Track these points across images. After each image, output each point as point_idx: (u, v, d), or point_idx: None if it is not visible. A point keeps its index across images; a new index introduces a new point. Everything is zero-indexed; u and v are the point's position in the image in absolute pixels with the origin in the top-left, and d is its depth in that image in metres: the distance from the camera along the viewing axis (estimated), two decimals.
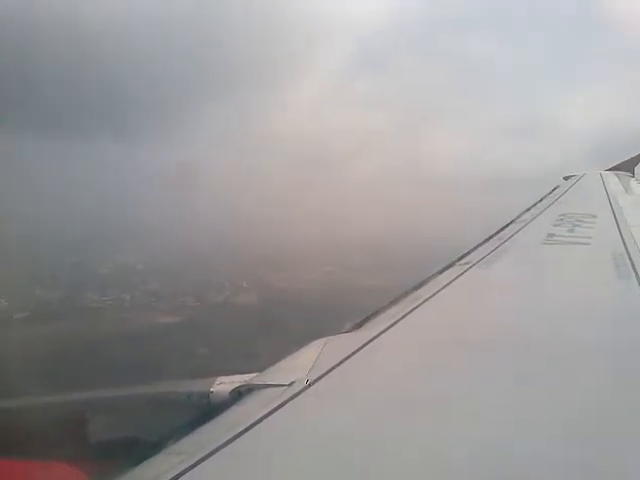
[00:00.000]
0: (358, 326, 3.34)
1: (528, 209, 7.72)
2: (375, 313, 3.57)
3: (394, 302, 3.78)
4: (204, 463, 1.76)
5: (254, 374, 2.70)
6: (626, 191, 9.58)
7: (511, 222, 6.81)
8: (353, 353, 2.66)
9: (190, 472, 1.72)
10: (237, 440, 1.89)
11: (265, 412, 2.08)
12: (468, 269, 4.45)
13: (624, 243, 5.14)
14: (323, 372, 2.44)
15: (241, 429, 1.95)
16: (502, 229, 6.35)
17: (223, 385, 2.74)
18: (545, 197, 8.76)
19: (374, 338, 2.88)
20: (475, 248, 5.42)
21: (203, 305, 41.69)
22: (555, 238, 5.54)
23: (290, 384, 2.34)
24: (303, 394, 2.25)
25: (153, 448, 2.11)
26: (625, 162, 13.09)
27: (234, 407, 2.38)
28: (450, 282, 4.08)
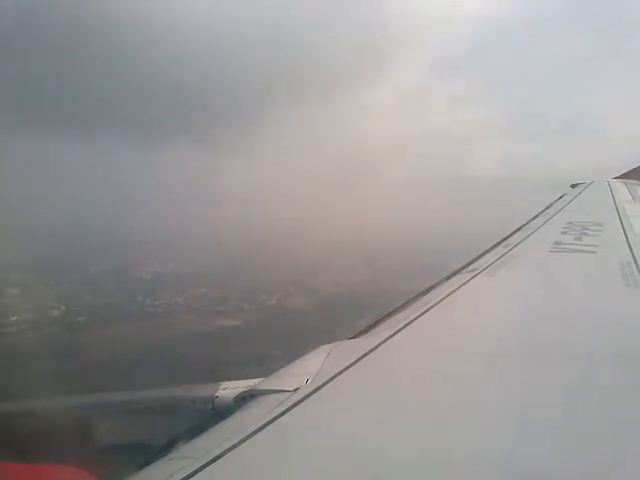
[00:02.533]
0: (364, 332, 3.30)
1: (535, 216, 7.72)
2: (382, 319, 3.54)
3: (401, 308, 3.75)
4: (208, 468, 1.75)
5: (259, 379, 2.68)
6: (634, 200, 9.52)
7: (518, 229, 6.80)
8: (359, 359, 2.64)
9: (194, 477, 1.71)
10: (241, 445, 1.88)
11: (270, 418, 2.07)
12: (475, 276, 4.42)
13: (631, 252, 5.10)
14: (328, 378, 2.42)
15: (246, 434, 1.94)
16: (509, 236, 6.32)
17: (228, 390, 2.71)
18: (552, 204, 8.77)
19: (380, 344, 2.85)
20: (482, 255, 5.40)
21: (258, 308, 42.50)
22: (562, 246, 5.51)
23: (295, 390, 2.33)
24: (308, 400, 2.23)
25: (157, 453, 2.11)
26: (633, 170, 13.14)
27: (238, 412, 2.36)
28: (457, 289, 4.04)
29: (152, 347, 31.11)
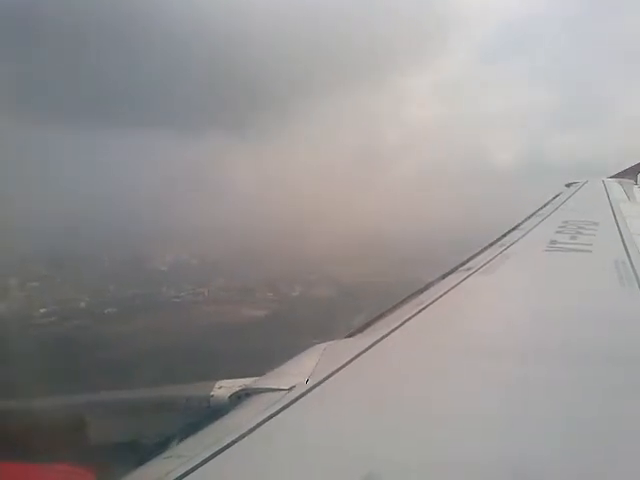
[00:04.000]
0: (359, 331, 3.34)
1: (531, 216, 7.72)
2: (376, 318, 3.57)
3: (395, 307, 3.77)
4: (204, 466, 1.77)
5: (254, 378, 2.71)
6: (629, 199, 9.58)
7: (514, 228, 6.82)
8: (353, 358, 2.66)
9: (190, 475, 1.73)
10: (236, 444, 1.89)
11: (265, 416, 2.08)
12: (470, 275, 4.46)
13: (626, 251, 5.14)
14: (323, 377, 2.44)
15: (241, 433, 1.95)
16: (504, 235, 6.35)
17: (223, 389, 2.76)
18: (548, 204, 8.78)
19: (374, 343, 2.88)
20: (477, 254, 5.44)
21: (283, 299, 42.51)
22: (557, 245, 5.55)
23: (290, 389, 2.35)
24: (303, 399, 2.25)
25: (153, 451, 2.12)
26: (628, 170, 13.11)
27: (234, 411, 2.38)
28: (452, 288, 4.08)
29: (188, 338, 31.23)
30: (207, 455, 1.82)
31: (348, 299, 38.03)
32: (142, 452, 2.30)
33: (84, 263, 42.81)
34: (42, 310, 36.15)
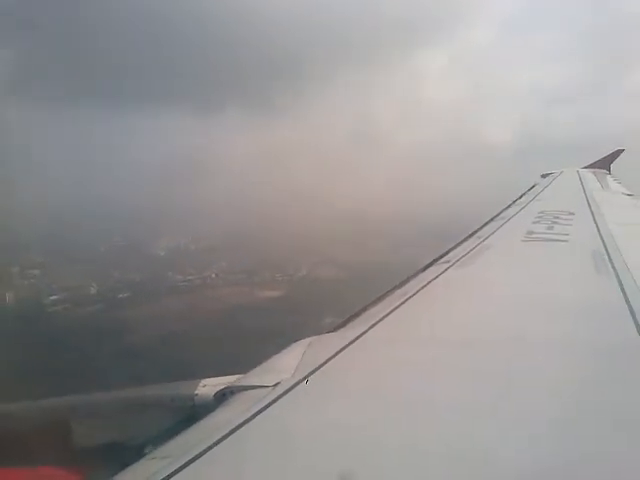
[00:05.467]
0: (341, 325, 3.37)
1: (507, 206, 7.82)
2: (358, 312, 3.60)
3: (376, 301, 3.81)
4: (190, 467, 1.78)
5: (238, 375, 2.72)
6: (603, 188, 9.75)
7: (491, 220, 6.92)
8: (336, 353, 2.68)
9: (176, 476, 1.73)
10: (222, 443, 1.90)
11: (250, 414, 2.09)
12: (448, 268, 4.51)
13: (602, 239, 5.22)
14: (307, 373, 2.46)
15: (226, 432, 1.96)
16: (482, 227, 6.46)
17: (207, 387, 2.77)
18: (524, 194, 8.90)
19: (357, 338, 2.90)
20: (455, 247, 5.50)
21: (291, 280, 42.63)
22: (534, 235, 5.62)
23: (274, 385, 2.37)
24: (287, 395, 2.26)
25: (138, 452, 2.14)
26: (601, 160, 13.59)
27: (219, 410, 2.38)
28: (430, 281, 4.12)
29: (212, 319, 31.33)
30: (193, 455, 1.82)
31: (355, 279, 37.80)
32: (127, 453, 2.29)
33: (80, 250, 42.23)
34: (52, 297, 35.92)
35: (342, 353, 2.69)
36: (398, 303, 3.54)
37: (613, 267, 4.19)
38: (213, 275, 43.48)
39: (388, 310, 3.39)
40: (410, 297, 3.69)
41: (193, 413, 2.57)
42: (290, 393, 2.28)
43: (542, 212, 6.98)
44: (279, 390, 2.30)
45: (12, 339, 25.09)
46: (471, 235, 6.04)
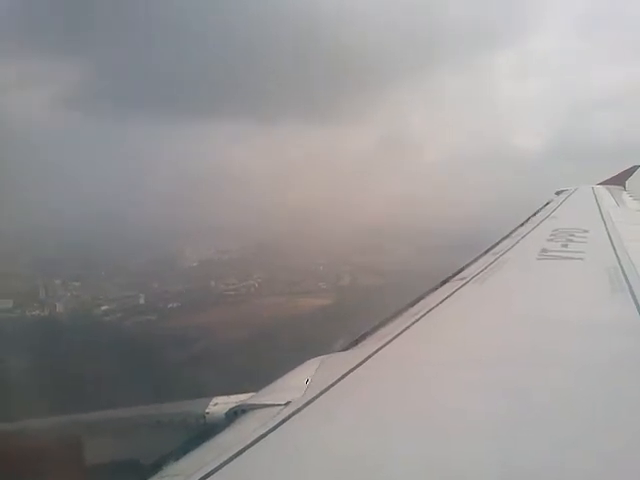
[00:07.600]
0: (354, 344, 3.36)
1: (522, 224, 7.79)
2: (371, 331, 3.58)
3: (390, 319, 3.80)
4: None
5: (250, 394, 2.72)
6: (618, 204, 9.72)
7: (506, 237, 6.90)
8: (348, 372, 2.66)
9: None
10: (234, 461, 1.89)
11: (261, 433, 2.08)
12: (464, 285, 4.49)
13: (617, 257, 5.18)
14: (319, 392, 2.44)
15: (238, 450, 1.95)
16: (497, 244, 6.44)
17: (219, 406, 2.77)
18: (538, 212, 8.86)
19: (369, 357, 2.88)
20: (470, 263, 5.50)
21: (335, 288, 42.59)
22: (549, 253, 5.60)
23: (286, 404, 2.35)
24: (299, 414, 2.25)
25: (150, 470, 2.13)
26: (616, 176, 13.60)
27: (230, 428, 2.38)
28: (446, 298, 4.10)
29: (266, 328, 31.30)
30: (205, 473, 1.82)
31: (397, 287, 37.31)
32: (139, 471, 2.30)
33: (112, 262, 42.40)
34: (103, 308, 35.88)
35: (353, 372, 2.68)
36: (412, 321, 3.53)
37: (629, 285, 4.15)
38: (256, 284, 43.00)
39: (402, 328, 3.38)
40: (424, 315, 3.68)
41: (205, 431, 2.56)
42: (301, 412, 2.27)
43: (556, 230, 6.93)
44: (290, 409, 2.30)
45: (80, 348, 25.45)
46: (486, 252, 6.04)
